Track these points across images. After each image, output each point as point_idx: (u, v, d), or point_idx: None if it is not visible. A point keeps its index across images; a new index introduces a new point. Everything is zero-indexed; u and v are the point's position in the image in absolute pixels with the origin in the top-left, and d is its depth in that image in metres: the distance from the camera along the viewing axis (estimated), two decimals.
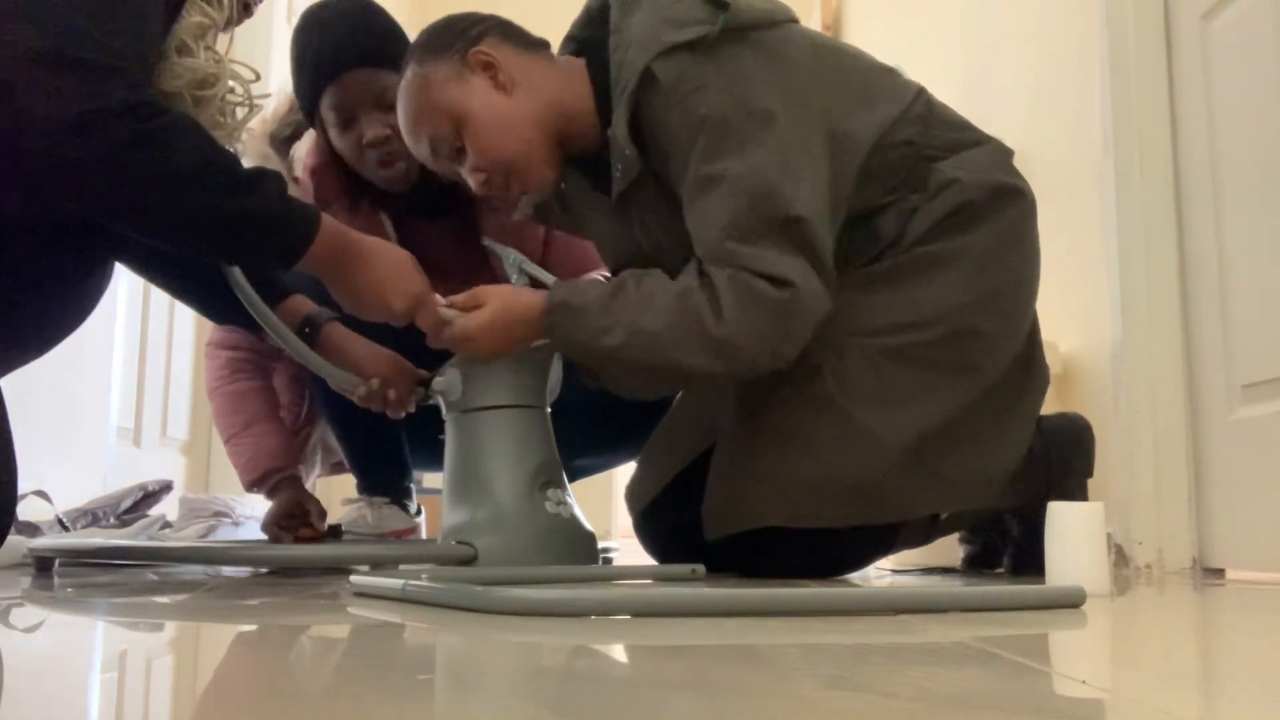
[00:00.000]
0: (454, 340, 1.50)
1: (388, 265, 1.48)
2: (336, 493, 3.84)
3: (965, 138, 1.58)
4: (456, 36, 1.54)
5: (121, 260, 1.56)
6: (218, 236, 1.35)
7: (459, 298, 1.52)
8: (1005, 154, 1.60)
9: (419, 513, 2.14)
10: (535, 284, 1.80)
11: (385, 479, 2.09)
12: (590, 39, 1.57)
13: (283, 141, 1.90)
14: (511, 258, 1.72)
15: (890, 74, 1.59)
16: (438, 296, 1.52)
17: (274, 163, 1.84)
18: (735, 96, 1.44)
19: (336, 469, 2.24)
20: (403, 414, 1.67)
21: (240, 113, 1.45)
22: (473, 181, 1.54)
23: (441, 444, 1.62)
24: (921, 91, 1.59)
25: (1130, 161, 2.19)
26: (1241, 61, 1.96)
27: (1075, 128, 2.45)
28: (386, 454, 2.08)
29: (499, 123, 1.51)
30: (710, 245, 1.43)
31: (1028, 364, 1.58)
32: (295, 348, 1.57)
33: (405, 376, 1.64)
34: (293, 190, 1.77)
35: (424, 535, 2.15)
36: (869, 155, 1.50)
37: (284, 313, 1.59)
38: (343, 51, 1.73)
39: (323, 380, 1.71)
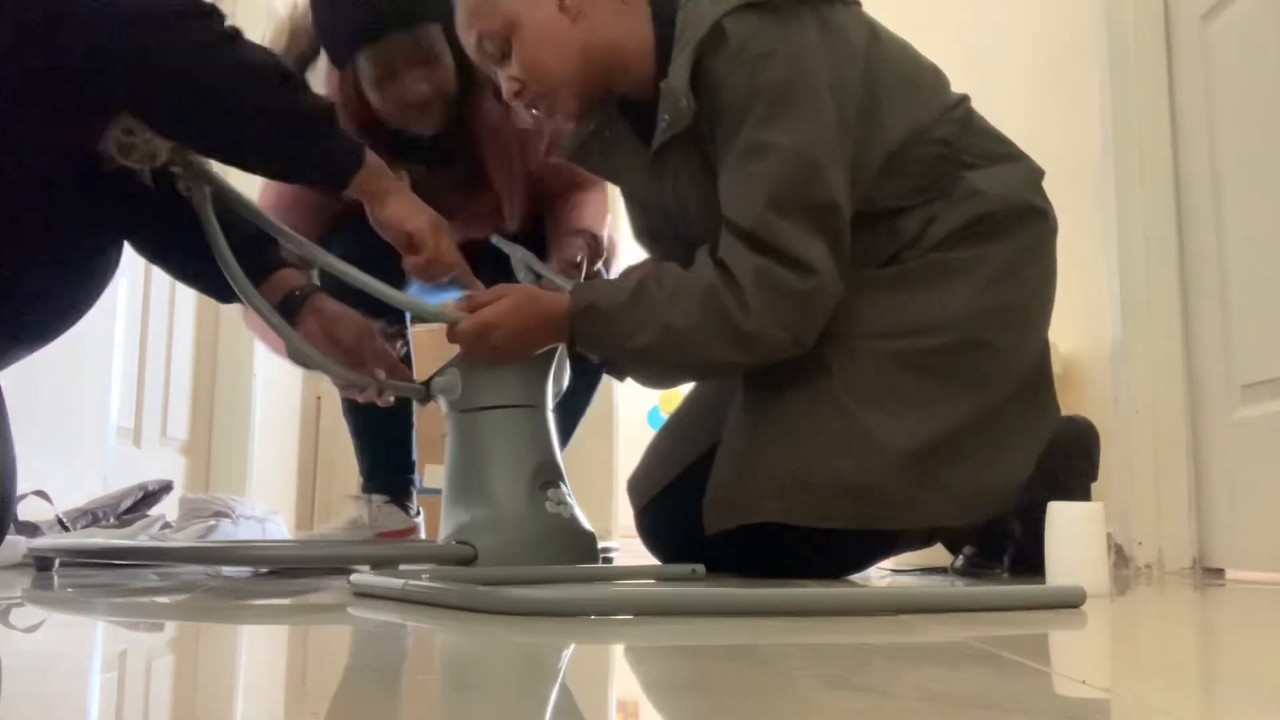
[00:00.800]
0: (472, 330, 1.50)
1: (415, 198, 1.56)
2: (339, 487, 3.84)
3: (1001, 150, 1.60)
4: None
5: (130, 241, 1.56)
6: (282, 134, 1.41)
7: (480, 294, 1.52)
8: (1037, 174, 1.62)
9: (418, 513, 2.14)
10: (538, 279, 1.81)
11: (390, 476, 2.09)
12: None
13: None
14: (519, 254, 1.72)
15: (937, 74, 1.61)
16: (449, 301, 1.53)
17: None
18: (798, 69, 1.45)
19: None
20: (384, 401, 1.66)
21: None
22: (506, 86, 1.55)
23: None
24: (965, 100, 1.60)
25: (1130, 161, 2.19)
26: (1241, 61, 1.96)
27: (1075, 128, 2.45)
28: (396, 451, 2.07)
29: (552, 43, 1.51)
30: (750, 211, 1.44)
31: (1037, 393, 1.58)
32: (276, 324, 1.56)
33: (375, 349, 1.64)
34: None
35: (423, 536, 2.15)
36: (899, 148, 1.51)
37: (273, 284, 1.60)
38: (384, 14, 1.72)
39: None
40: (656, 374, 1.57)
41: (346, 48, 1.76)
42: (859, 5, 1.57)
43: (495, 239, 1.74)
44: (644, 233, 1.76)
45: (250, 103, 1.37)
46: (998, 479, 1.53)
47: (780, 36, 1.45)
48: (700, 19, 1.46)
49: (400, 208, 1.55)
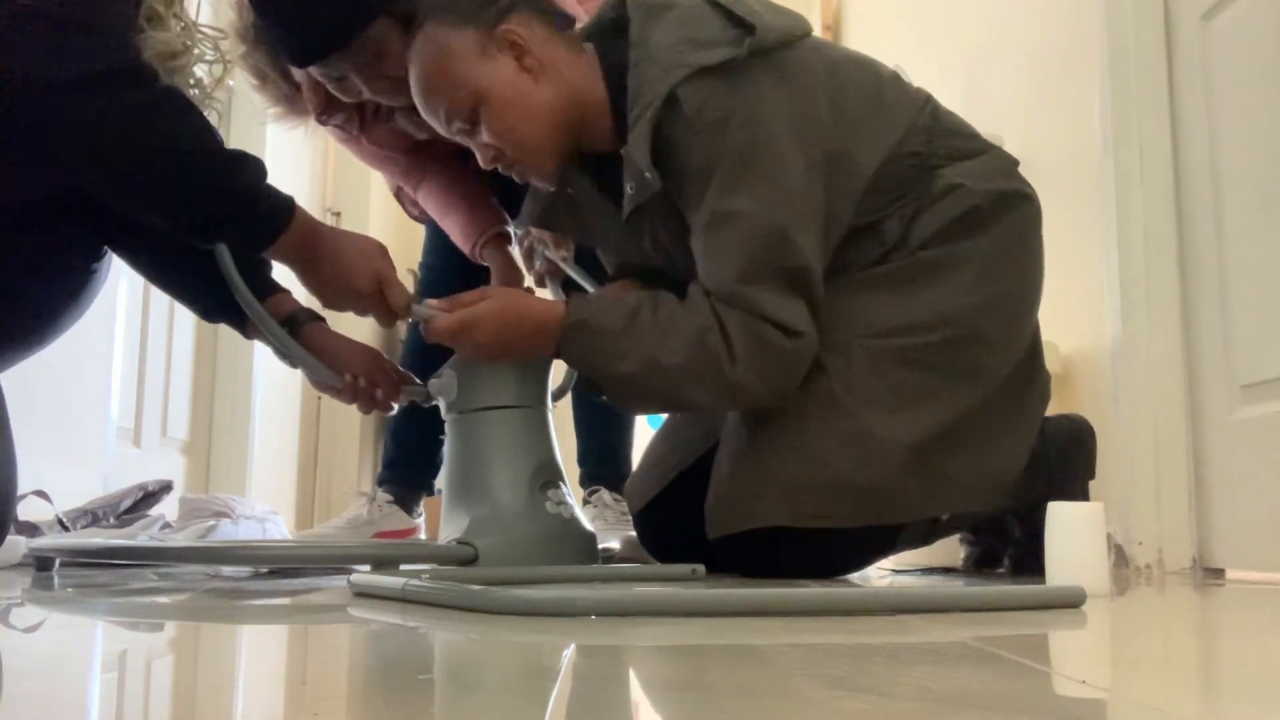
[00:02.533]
0: (448, 328, 1.49)
1: (353, 250, 1.49)
2: (339, 487, 3.85)
3: (969, 146, 1.58)
4: (485, 4, 1.51)
5: (119, 253, 1.56)
6: (196, 213, 1.35)
7: (466, 294, 1.51)
8: (1009, 162, 1.61)
9: (420, 515, 2.14)
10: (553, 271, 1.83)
11: (407, 472, 2.09)
12: (604, 41, 1.55)
13: None
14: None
15: (898, 84, 1.59)
16: (430, 301, 1.52)
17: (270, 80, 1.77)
18: (758, 129, 1.44)
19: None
20: (391, 410, 1.67)
21: (214, 74, 1.45)
22: (482, 155, 1.53)
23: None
24: (928, 101, 1.59)
25: (1130, 161, 2.19)
26: (1241, 61, 1.96)
27: (1075, 128, 2.45)
28: (423, 448, 2.08)
29: (521, 105, 1.49)
30: (721, 283, 1.45)
31: (1030, 373, 1.58)
32: (279, 338, 1.56)
33: (385, 373, 1.64)
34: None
35: (423, 537, 2.15)
36: (874, 176, 1.51)
37: (267, 308, 1.59)
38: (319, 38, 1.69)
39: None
40: (634, 400, 1.56)
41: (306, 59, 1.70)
42: (810, 34, 1.55)
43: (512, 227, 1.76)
44: (623, 272, 1.75)
45: (169, 178, 1.31)
46: (996, 464, 1.53)
47: (735, 99, 1.43)
48: (653, 86, 1.44)
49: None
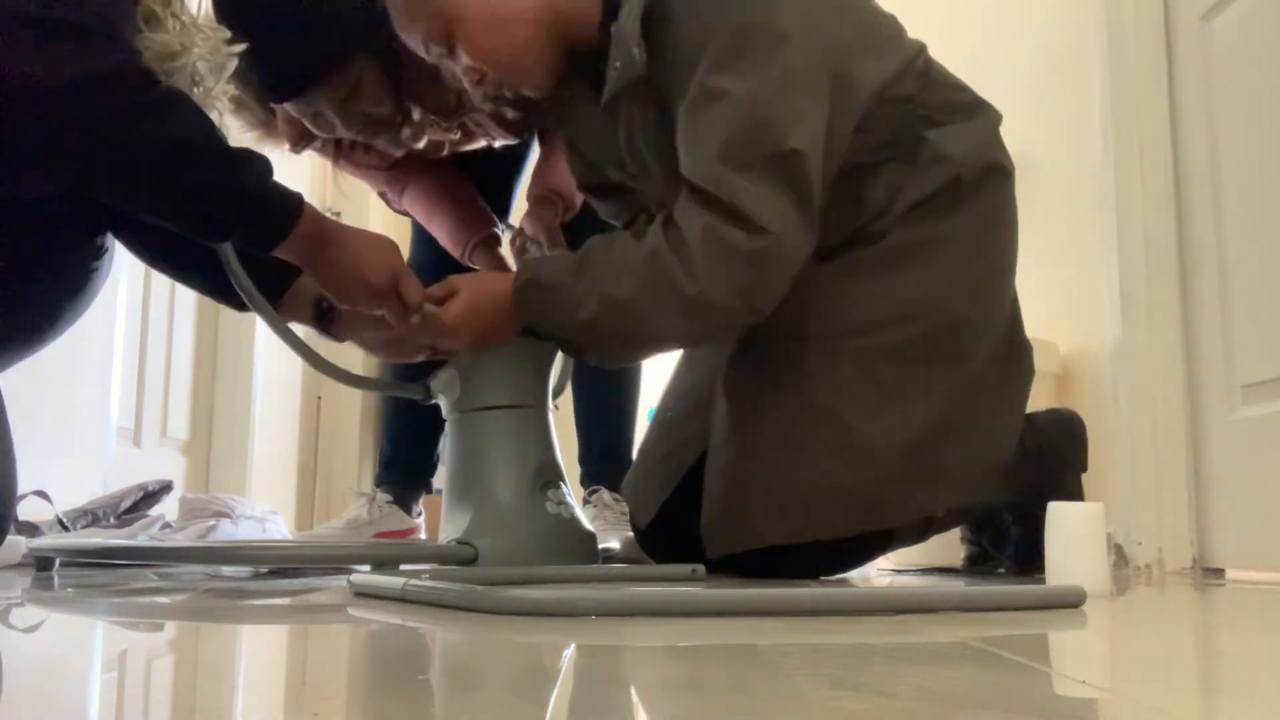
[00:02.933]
0: (434, 334, 1.48)
1: (365, 246, 1.47)
2: (339, 487, 3.85)
3: (962, 99, 1.54)
4: None
5: (121, 239, 1.55)
6: (203, 214, 1.34)
7: (433, 289, 1.48)
8: (996, 120, 1.56)
9: (419, 514, 2.14)
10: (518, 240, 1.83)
11: (407, 471, 2.08)
12: None
13: None
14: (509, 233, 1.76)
15: (896, 24, 1.55)
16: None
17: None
18: (754, 11, 1.37)
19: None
20: (419, 357, 1.64)
21: (215, 78, 1.44)
22: (467, 82, 1.48)
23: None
24: (924, 49, 1.54)
25: (1130, 161, 2.19)
26: (1241, 61, 1.96)
27: (1075, 128, 2.45)
28: (421, 447, 2.07)
29: (494, 20, 1.43)
30: (701, 163, 1.37)
31: (1011, 348, 1.54)
32: (284, 335, 1.56)
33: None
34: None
35: (423, 537, 2.15)
36: (868, 107, 1.45)
37: (295, 294, 1.59)
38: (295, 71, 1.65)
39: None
40: (611, 349, 1.49)
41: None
42: None
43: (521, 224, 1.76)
44: (590, 189, 1.71)
45: (174, 178, 1.30)
46: (988, 452, 1.51)
47: None
48: None
49: (348, 266, 1.46)
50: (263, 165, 1.37)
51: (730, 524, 1.49)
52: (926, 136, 1.48)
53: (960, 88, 1.56)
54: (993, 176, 1.52)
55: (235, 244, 1.47)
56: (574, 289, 1.41)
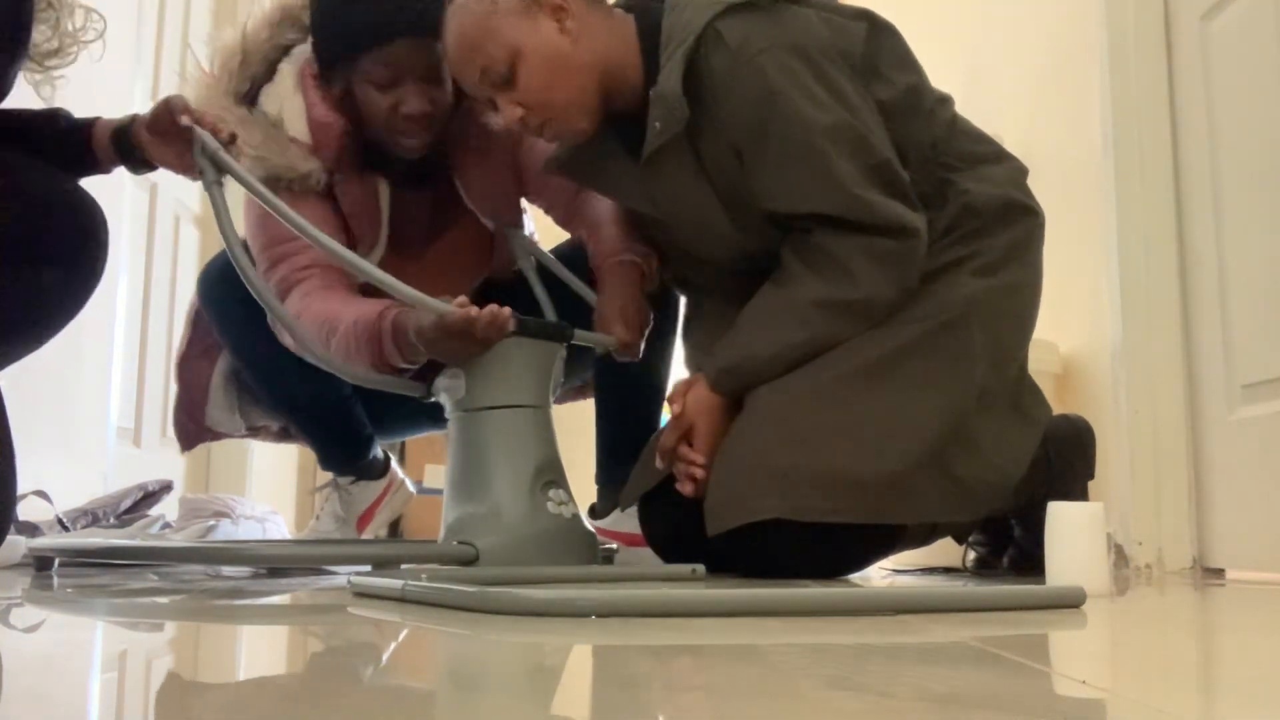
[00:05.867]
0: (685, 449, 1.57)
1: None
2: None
3: (984, 150, 1.64)
4: None
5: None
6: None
7: (674, 391, 1.60)
8: (1021, 173, 1.66)
9: (387, 459, 2.07)
10: (541, 269, 1.82)
11: (346, 455, 2.01)
12: (641, 8, 1.59)
13: (244, 96, 1.81)
14: (523, 241, 1.81)
15: (920, 70, 1.65)
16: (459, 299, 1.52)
17: (247, 124, 1.75)
18: (803, 50, 1.50)
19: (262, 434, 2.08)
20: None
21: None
22: (508, 113, 1.56)
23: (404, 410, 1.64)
24: (948, 99, 1.65)
25: (1130, 161, 2.19)
26: (1241, 61, 1.96)
27: (1075, 128, 2.45)
28: (341, 428, 2.00)
29: (556, 68, 1.53)
30: (832, 197, 1.50)
31: (1030, 390, 1.64)
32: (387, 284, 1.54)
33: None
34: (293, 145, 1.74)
35: (407, 482, 2.09)
36: (898, 148, 1.55)
37: (98, 144, 1.56)
38: (401, 17, 1.68)
39: (264, 364, 1.79)
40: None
41: (347, 53, 1.69)
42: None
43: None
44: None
45: None
46: (997, 474, 1.54)
47: (777, 28, 1.50)
48: (688, 25, 1.50)
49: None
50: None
51: (732, 499, 1.50)
52: (950, 180, 1.60)
53: (984, 140, 1.68)
54: (1016, 213, 1.63)
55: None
56: (758, 355, 1.54)
